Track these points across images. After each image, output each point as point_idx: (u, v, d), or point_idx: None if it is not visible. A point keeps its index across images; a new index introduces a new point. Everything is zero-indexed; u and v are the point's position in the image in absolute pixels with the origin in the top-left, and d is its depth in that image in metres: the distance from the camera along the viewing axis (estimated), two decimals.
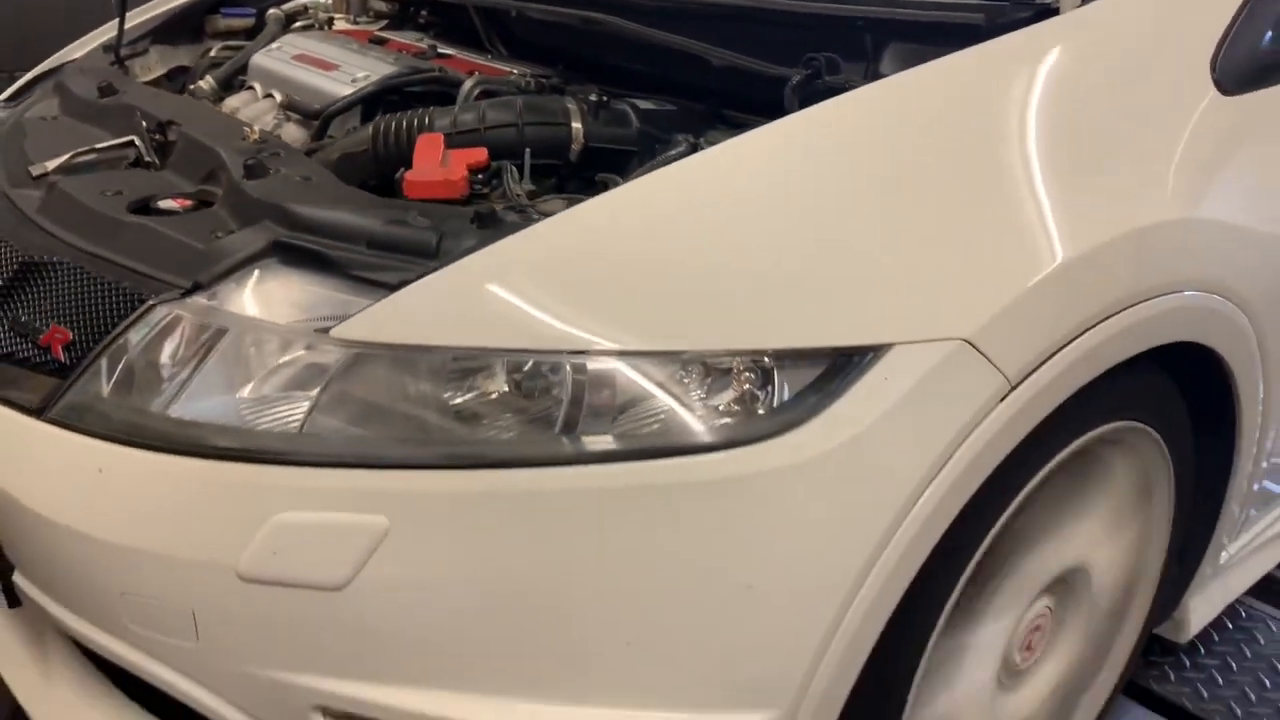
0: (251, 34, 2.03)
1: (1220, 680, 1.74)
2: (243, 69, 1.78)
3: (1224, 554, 1.58)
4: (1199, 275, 1.23)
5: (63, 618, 1.18)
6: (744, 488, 0.99)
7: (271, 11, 2.01)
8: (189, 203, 1.30)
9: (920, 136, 1.15)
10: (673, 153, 1.37)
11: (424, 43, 1.85)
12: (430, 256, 1.07)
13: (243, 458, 1.03)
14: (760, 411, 1.00)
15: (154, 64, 1.97)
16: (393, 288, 1.05)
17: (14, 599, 1.26)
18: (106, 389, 1.13)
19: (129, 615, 1.09)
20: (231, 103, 1.69)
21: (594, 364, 1.00)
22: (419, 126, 1.38)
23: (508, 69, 1.70)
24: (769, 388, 1.01)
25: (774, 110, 1.23)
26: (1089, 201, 1.14)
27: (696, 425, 0.99)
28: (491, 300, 1.04)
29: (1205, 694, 1.72)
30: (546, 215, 1.12)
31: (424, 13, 2.08)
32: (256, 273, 1.13)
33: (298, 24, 2.00)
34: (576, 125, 1.42)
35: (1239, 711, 1.68)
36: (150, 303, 1.13)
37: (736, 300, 1.03)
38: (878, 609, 1.02)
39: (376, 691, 1.03)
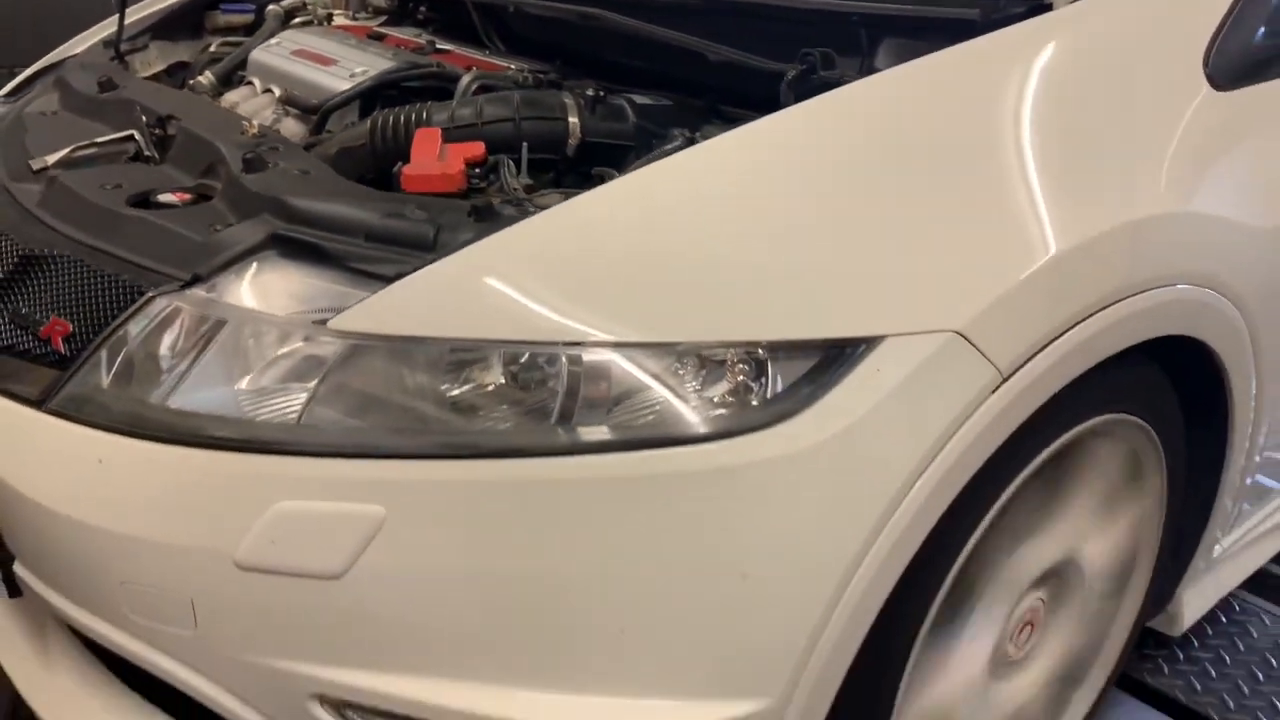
0: (251, 30, 2.03)
1: (1213, 673, 1.75)
2: (242, 64, 1.78)
3: (1217, 548, 1.59)
4: (1192, 269, 1.24)
5: (63, 607, 1.18)
6: (738, 478, 0.99)
7: (271, 7, 2.01)
8: (188, 196, 1.31)
9: (914, 131, 1.16)
10: (669, 147, 1.36)
11: (422, 38, 1.86)
12: (427, 249, 1.08)
13: (241, 448, 1.04)
14: (754, 402, 1.01)
15: (154, 59, 1.97)
16: (390, 280, 1.06)
17: (14, 589, 1.27)
18: (106, 380, 1.14)
19: (129, 604, 1.10)
20: (231, 98, 1.70)
21: (589, 355, 1.01)
22: (417, 121, 1.38)
23: (505, 64, 1.70)
24: (763, 379, 1.01)
25: (770, 105, 1.24)
26: (1081, 195, 1.15)
27: (691, 416, 1.00)
28: (488, 292, 1.05)
29: (1198, 687, 1.72)
30: (543, 209, 1.12)
31: (422, 8, 2.08)
32: (255, 265, 1.14)
33: (296, 20, 2.00)
34: (573, 120, 1.42)
35: (1232, 704, 1.69)
36: (150, 295, 1.14)
37: (731, 292, 1.04)
38: (870, 598, 1.03)
39: (374, 679, 1.04)
